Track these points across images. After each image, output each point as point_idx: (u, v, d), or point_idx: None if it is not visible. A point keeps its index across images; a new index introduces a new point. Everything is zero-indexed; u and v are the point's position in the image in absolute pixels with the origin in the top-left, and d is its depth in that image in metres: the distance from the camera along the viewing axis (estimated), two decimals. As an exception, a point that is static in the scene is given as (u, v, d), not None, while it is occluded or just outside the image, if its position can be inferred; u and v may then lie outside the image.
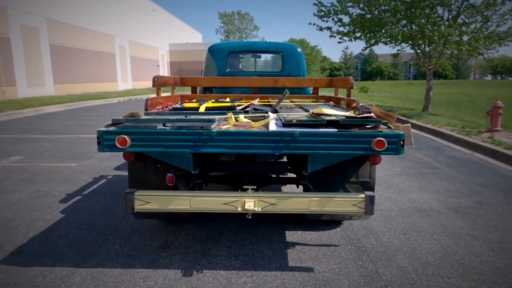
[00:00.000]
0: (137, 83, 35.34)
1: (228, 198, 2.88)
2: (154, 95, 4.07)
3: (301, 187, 3.85)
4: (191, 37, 57.18)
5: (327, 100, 4.92)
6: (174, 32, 48.73)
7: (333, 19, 14.22)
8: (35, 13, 20.60)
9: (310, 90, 5.66)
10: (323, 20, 14.34)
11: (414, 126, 11.20)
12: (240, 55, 6.33)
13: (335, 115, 2.96)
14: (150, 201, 2.89)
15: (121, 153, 2.95)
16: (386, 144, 2.67)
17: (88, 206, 4.38)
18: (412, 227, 3.85)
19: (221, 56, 5.69)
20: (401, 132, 2.71)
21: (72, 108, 17.06)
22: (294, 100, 4.96)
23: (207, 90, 5.63)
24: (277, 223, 3.89)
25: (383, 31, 14.06)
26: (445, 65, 15.87)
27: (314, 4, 14.15)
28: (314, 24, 14.73)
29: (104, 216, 4.07)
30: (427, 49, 14.23)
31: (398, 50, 14.93)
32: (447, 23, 13.29)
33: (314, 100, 5.05)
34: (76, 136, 9.12)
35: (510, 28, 12.76)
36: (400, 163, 6.67)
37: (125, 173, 5.72)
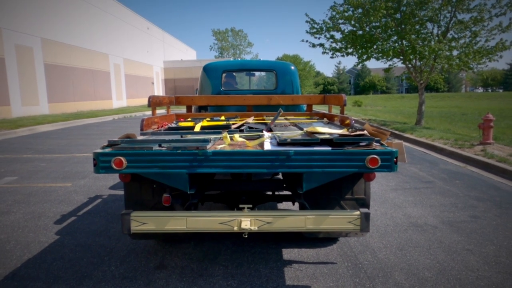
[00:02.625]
0: (131, 100, 35.42)
1: (224, 218, 2.87)
2: (149, 113, 4.11)
3: (297, 204, 3.83)
4: (185, 54, 57.66)
5: (321, 117, 4.99)
6: (168, 50, 49.15)
7: (325, 35, 14.45)
8: (30, 32, 20.73)
9: (304, 107, 5.72)
10: (316, 37, 14.56)
11: (407, 140, 11.30)
12: (234, 74, 6.39)
13: (329, 133, 2.98)
14: (146, 222, 2.87)
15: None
16: (379, 161, 2.71)
17: (83, 227, 4.35)
18: (408, 243, 3.86)
19: (216, 75, 5.73)
20: (394, 149, 2.74)
21: (66, 127, 17.03)
22: (288, 117, 4.99)
23: (202, 108, 5.66)
24: (274, 241, 3.89)
25: (375, 47, 14.31)
26: (437, 78, 16.13)
27: (307, 21, 14.39)
28: (307, 41, 14.95)
29: (99, 237, 4.04)
30: (418, 63, 14.47)
31: (390, 65, 15.17)
32: (437, 38, 13.56)
33: (308, 117, 5.08)
34: (70, 156, 9.09)
35: (499, 43, 13.04)
36: (395, 177, 6.72)
37: (121, 192, 5.73)
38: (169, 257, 3.56)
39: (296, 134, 3.28)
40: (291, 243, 3.85)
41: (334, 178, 2.93)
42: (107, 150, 2.80)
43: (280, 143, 2.94)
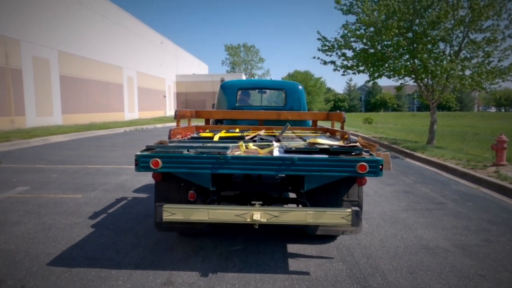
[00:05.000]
0: (143, 113, 35.85)
1: (239, 211, 3.43)
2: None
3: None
4: (198, 69, 58.40)
5: (324, 131, 5.56)
6: (181, 64, 49.86)
7: (336, 53, 14.52)
8: (47, 45, 21.26)
9: (310, 122, 6.33)
10: (327, 55, 14.64)
11: (419, 159, 11.19)
12: (248, 91, 6.94)
13: (327, 144, 3.64)
14: (175, 212, 3.45)
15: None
16: (368, 167, 3.30)
17: (92, 240, 4.36)
18: (419, 266, 3.79)
19: (232, 92, 6.38)
20: (380, 158, 3.34)
21: (78, 137, 17.26)
22: (295, 131, 5.64)
23: (218, 121, 6.22)
24: (282, 260, 3.85)
25: (386, 65, 14.31)
26: (449, 97, 16.07)
27: (318, 39, 14.50)
28: (318, 58, 15.08)
29: (107, 250, 4.05)
30: (430, 82, 14.42)
31: (401, 83, 15.14)
32: (449, 58, 13.53)
33: (313, 131, 5.73)
34: (81, 167, 9.19)
35: (512, 63, 12.96)
36: (406, 198, 6.63)
37: (130, 206, 5.76)
38: (176, 273, 3.54)
39: (300, 144, 3.97)
40: (298, 267, 3.80)
41: (331, 180, 3.52)
42: (146, 153, 3.40)
43: (286, 151, 3.58)
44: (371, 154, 3.49)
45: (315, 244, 4.31)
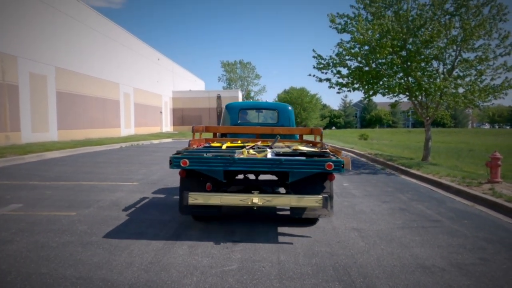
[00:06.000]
0: (139, 128, 35.85)
1: (242, 197, 4.85)
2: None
3: None
4: (194, 85, 58.75)
5: (307, 143, 7.06)
6: (177, 80, 50.17)
7: (332, 71, 14.68)
8: (45, 61, 21.37)
9: (298, 136, 7.77)
10: (323, 72, 14.79)
11: (414, 176, 11.22)
12: (247, 111, 8.38)
13: (305, 150, 5.45)
14: (197, 198, 4.83)
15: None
16: (333, 166, 4.71)
17: (85, 259, 4.30)
18: (416, 285, 3.76)
19: (235, 111, 7.91)
20: (342, 159, 4.76)
21: (73, 154, 17.20)
22: (285, 143, 7.12)
23: (223, 135, 7.61)
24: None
25: (381, 82, 14.48)
26: (443, 114, 16.26)
27: (314, 57, 14.68)
28: (314, 75, 15.19)
29: (101, 270, 3.99)
30: (424, 100, 14.59)
31: (396, 100, 15.29)
32: (442, 76, 13.73)
33: (299, 143, 7.12)
34: (76, 183, 9.13)
35: (504, 81, 13.16)
36: (402, 215, 6.63)
37: (124, 224, 5.71)
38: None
39: (286, 150, 5.66)
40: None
41: (307, 175, 4.93)
42: (177, 155, 4.83)
43: (276, 154, 5.23)
44: (337, 157, 4.94)
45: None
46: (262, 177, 6.75)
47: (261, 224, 5.81)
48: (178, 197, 6.01)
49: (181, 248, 4.67)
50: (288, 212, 5.96)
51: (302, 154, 5.13)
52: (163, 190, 8.59)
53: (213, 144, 6.62)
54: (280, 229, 5.54)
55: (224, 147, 5.99)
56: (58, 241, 4.91)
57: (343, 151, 8.05)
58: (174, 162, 4.75)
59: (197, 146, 6.06)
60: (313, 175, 4.99)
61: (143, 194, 8.07)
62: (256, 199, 4.70)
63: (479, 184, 8.95)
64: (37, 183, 9.08)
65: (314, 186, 5.20)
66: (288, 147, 6.29)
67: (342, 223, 6.03)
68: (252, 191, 4.93)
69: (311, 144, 6.80)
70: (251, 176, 6.82)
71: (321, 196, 4.77)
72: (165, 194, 8.13)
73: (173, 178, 10.20)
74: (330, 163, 4.68)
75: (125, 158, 15.51)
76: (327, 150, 5.30)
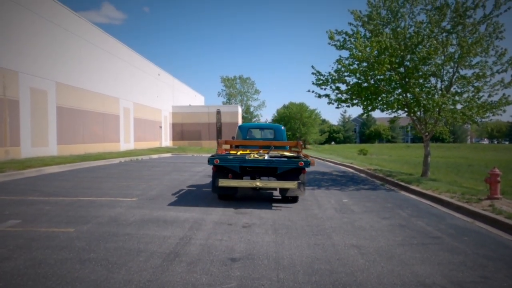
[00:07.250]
0: (138, 143, 35.87)
1: (250, 182, 8.49)
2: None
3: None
4: (194, 100, 59.04)
5: (294, 152, 10.41)
6: (177, 95, 50.44)
7: (331, 87, 14.80)
8: (45, 76, 21.52)
9: (288, 147, 11.10)
10: (322, 88, 14.91)
11: (414, 192, 11.19)
12: (253, 130, 12.26)
13: (288, 155, 9.70)
14: (224, 182, 8.26)
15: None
16: (304, 164, 8.37)
17: (83, 276, 4.27)
18: (416, 304, 3.73)
19: (244, 130, 11.85)
20: (309, 160, 8.61)
21: (73, 168, 17.17)
22: (279, 151, 10.39)
23: (237, 146, 11.02)
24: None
25: (380, 98, 14.60)
26: (442, 130, 16.46)
27: (313, 73, 14.82)
28: (313, 91, 15.33)
29: (99, 288, 3.95)
30: (422, 115, 14.67)
31: (395, 116, 15.38)
32: (440, 92, 13.85)
33: (288, 152, 10.58)
34: (75, 199, 9.10)
35: (502, 98, 13.27)
36: (402, 232, 6.60)
37: (122, 240, 5.66)
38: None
39: (277, 155, 9.51)
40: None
41: (288, 169, 8.47)
42: (212, 157, 8.50)
43: (271, 157, 9.08)
44: (306, 159, 8.75)
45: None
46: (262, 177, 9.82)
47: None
48: (177, 214, 7.72)
49: (179, 266, 4.64)
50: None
51: (285, 156, 9.33)
52: (162, 206, 8.56)
53: (231, 152, 10.40)
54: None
55: (238, 153, 9.78)
56: (56, 258, 4.87)
57: (339, 165, 12.79)
58: (210, 161, 8.38)
59: (221, 153, 9.52)
60: (292, 169, 8.47)
61: (141, 210, 8.04)
62: (258, 183, 8.35)
63: (478, 200, 8.94)
64: (36, 199, 9.05)
65: (292, 176, 8.51)
66: (279, 153, 9.88)
67: (342, 239, 6.00)
68: (256, 178, 8.65)
69: (295, 153, 10.25)
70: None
71: (296, 182, 8.23)
72: (164, 211, 8.09)
73: (172, 194, 10.16)
74: (302, 161, 8.44)
75: (124, 173, 15.48)
76: (301, 155, 9.74)
